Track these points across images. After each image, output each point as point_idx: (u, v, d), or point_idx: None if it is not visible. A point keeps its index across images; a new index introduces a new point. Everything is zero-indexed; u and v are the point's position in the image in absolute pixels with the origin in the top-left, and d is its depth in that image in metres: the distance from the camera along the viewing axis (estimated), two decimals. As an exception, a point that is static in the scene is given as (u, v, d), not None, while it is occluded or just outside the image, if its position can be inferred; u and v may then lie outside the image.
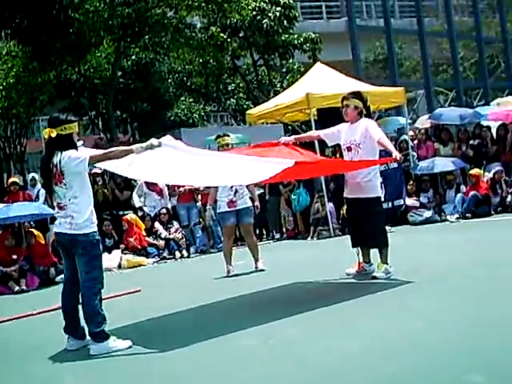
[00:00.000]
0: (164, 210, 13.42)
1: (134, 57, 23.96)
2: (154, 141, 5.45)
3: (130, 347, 5.25)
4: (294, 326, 5.38)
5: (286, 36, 24.01)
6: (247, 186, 9.18)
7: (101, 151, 5.54)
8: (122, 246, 12.62)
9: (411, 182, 13.81)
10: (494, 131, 14.73)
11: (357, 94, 7.34)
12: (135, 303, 7.84)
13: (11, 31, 16.05)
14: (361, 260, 7.41)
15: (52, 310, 7.21)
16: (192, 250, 13.37)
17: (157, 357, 4.97)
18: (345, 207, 7.92)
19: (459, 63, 34.17)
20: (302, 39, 24.24)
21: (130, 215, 13.03)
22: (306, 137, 8.89)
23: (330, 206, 12.99)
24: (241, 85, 28.45)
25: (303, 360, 4.41)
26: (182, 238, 13.24)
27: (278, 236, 14.02)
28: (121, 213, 13.31)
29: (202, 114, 29.20)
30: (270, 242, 13.80)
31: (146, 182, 13.11)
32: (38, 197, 13.18)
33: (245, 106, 26.99)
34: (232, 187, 8.94)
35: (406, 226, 12.81)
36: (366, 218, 7.09)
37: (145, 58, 24.10)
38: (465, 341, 4.34)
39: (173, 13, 20.31)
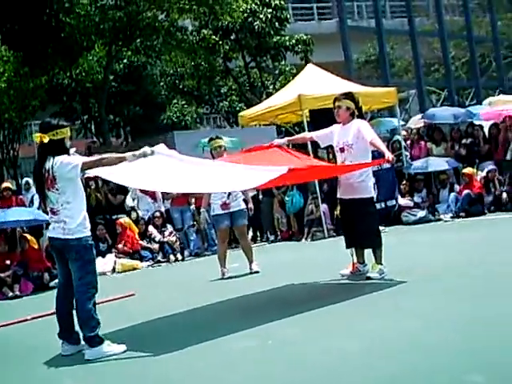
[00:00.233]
0: (158, 214, 13.40)
1: (125, 60, 23.95)
2: (147, 149, 5.43)
3: (125, 351, 5.24)
4: (290, 327, 5.38)
5: (278, 38, 24.03)
6: (240, 188, 9.17)
7: (93, 158, 5.53)
8: (115, 250, 12.58)
9: (405, 182, 13.84)
10: (486, 130, 14.77)
11: (348, 95, 7.35)
12: (129, 307, 7.83)
13: (2, 36, 16.06)
14: (355, 261, 7.42)
15: (46, 315, 7.19)
16: (186, 253, 13.35)
17: (152, 360, 4.96)
18: (338, 208, 7.93)
19: (451, 63, 34.27)
20: (293, 41, 24.27)
21: (124, 219, 13.01)
22: (298, 138, 8.90)
23: (323, 207, 12.99)
24: (233, 87, 28.45)
25: (301, 361, 4.41)
26: (176, 242, 13.21)
27: (272, 238, 14.01)
28: (114, 217, 13.28)
29: (195, 116, 29.17)
30: (265, 243, 13.80)
31: (140, 186, 13.09)
32: (32, 201, 13.14)
33: (237, 108, 26.97)
34: (225, 190, 8.93)
35: (400, 226, 12.83)
36: (359, 219, 7.10)
37: (137, 62, 24.10)
38: (463, 340, 4.35)
39: (164, 16, 20.32)
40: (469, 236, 10.24)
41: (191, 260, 12.97)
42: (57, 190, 5.30)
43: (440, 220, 12.85)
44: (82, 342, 5.38)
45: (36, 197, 12.91)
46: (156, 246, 13.00)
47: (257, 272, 8.96)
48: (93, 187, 13.02)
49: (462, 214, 12.85)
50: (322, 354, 4.49)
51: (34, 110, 23.17)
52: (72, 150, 5.55)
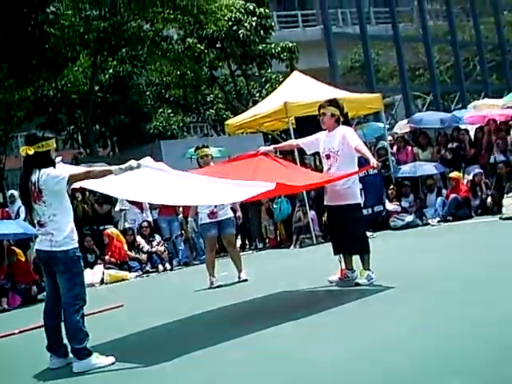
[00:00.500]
0: (145, 224, 13.38)
1: (111, 70, 23.91)
2: (133, 163, 5.42)
3: (113, 363, 5.21)
4: (279, 337, 5.37)
5: (263, 46, 24.06)
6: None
7: (80, 170, 5.51)
8: (103, 261, 12.53)
9: (392, 187, 13.88)
10: (472, 134, 14.84)
11: (333, 102, 7.36)
12: (118, 318, 7.79)
13: (-14, 49, 15.98)
14: (343, 267, 7.41)
15: (34, 329, 7.14)
16: (175, 262, 13.33)
17: (141, 372, 4.93)
18: (326, 214, 7.94)
19: (435, 67, 34.44)
20: (279, 48, 24.31)
21: (111, 229, 12.98)
22: (285, 146, 8.92)
23: (311, 213, 13.00)
24: (219, 95, 28.46)
25: (289, 371, 4.39)
26: (165, 251, 13.19)
27: (260, 245, 14.01)
28: (101, 227, 13.25)
29: (181, 125, 29.15)
30: (253, 251, 13.79)
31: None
32: (18, 214, 13.06)
33: (224, 116, 26.96)
34: (213, 198, 8.91)
35: (388, 231, 12.86)
36: (346, 225, 7.10)
37: (122, 72, 24.06)
38: (451, 345, 4.34)
39: (149, 25, 20.31)
40: (456, 240, 10.27)
41: (180, 269, 12.94)
42: (43, 202, 5.28)
43: (428, 224, 12.89)
44: (71, 355, 5.35)
45: (22, 209, 12.83)
46: (144, 256, 12.97)
47: (245, 280, 8.94)
48: (79, 199, 12.99)
49: (450, 217, 12.90)
50: (310, 363, 4.48)
51: (19, 122, 23.07)
52: (58, 159, 5.53)
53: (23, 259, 11.50)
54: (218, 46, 24.08)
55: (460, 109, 24.72)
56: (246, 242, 14.46)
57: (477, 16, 35.66)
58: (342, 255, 7.39)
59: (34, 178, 5.30)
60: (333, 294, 7.07)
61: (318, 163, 12.87)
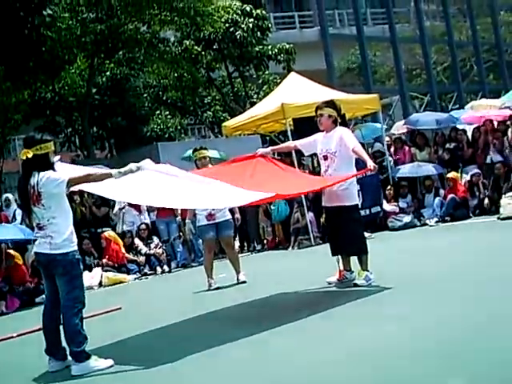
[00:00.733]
0: (143, 226, 13.38)
1: (108, 73, 23.88)
2: (132, 166, 5.42)
3: (112, 366, 5.20)
4: (277, 338, 5.37)
5: (260, 47, 24.06)
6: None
7: (80, 173, 5.48)
8: (101, 262, 12.52)
9: (389, 188, 13.89)
10: (469, 134, 14.85)
11: (330, 103, 7.38)
12: (117, 321, 7.79)
13: (-17, 52, 15.96)
14: (341, 268, 7.42)
15: (33, 332, 7.14)
16: (173, 264, 13.32)
17: (139, 374, 4.93)
18: (324, 216, 7.95)
19: (432, 68, 34.46)
20: (275, 50, 24.31)
21: (109, 232, 12.97)
22: (282, 147, 8.95)
23: (309, 215, 13.00)
24: (217, 97, 28.44)
25: (289, 372, 4.40)
26: (163, 253, 13.19)
27: (258, 247, 14.01)
28: (99, 230, 13.24)
29: (179, 127, 29.13)
30: (251, 253, 13.78)
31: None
32: (14, 217, 13.05)
33: (222, 118, 26.95)
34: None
35: (386, 232, 12.87)
36: (344, 226, 7.11)
37: (119, 74, 24.03)
38: (449, 346, 4.35)
39: (146, 28, 20.28)
40: (455, 240, 10.27)
41: (178, 271, 12.94)
42: (43, 205, 5.28)
43: (425, 225, 12.89)
44: (69, 358, 5.34)
45: (18, 212, 12.82)
46: (142, 258, 12.96)
47: (244, 282, 8.94)
48: (77, 201, 12.98)
49: (448, 218, 12.91)
50: (310, 364, 4.49)
51: (17, 125, 23.07)
52: (56, 158, 5.53)
53: (21, 262, 11.49)
54: (215, 47, 24.07)
55: (457, 109, 24.71)
56: (244, 243, 14.46)
57: (473, 16, 35.70)
58: (340, 256, 7.40)
59: (33, 181, 5.30)
60: (331, 295, 7.08)
61: (315, 164, 12.89)
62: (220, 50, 24.07)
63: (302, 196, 12.99)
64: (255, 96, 27.22)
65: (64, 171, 5.54)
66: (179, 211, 13.57)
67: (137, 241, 13.19)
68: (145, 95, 26.98)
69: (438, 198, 13.37)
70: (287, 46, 24.54)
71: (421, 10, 34.17)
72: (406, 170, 14.24)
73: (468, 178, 13.69)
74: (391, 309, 5.78)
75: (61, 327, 5.39)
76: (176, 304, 8.40)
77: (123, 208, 13.55)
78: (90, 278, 11.86)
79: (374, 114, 18.88)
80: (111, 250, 12.67)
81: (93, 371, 5.15)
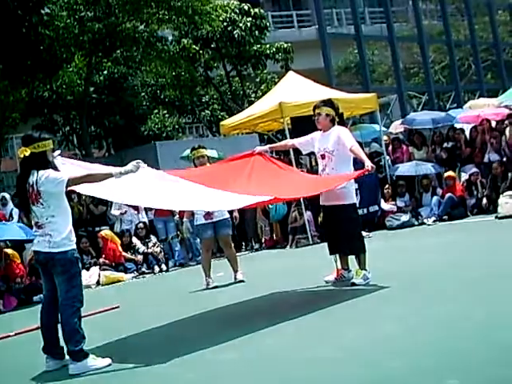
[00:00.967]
0: (141, 225, 13.37)
1: (106, 71, 23.84)
2: (132, 166, 5.41)
3: (110, 365, 5.20)
4: (274, 337, 5.37)
5: (258, 46, 24.04)
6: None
7: (80, 174, 5.43)
8: (98, 262, 12.51)
9: (387, 187, 13.90)
10: (467, 133, 14.87)
11: (328, 102, 7.38)
12: (114, 320, 7.79)
13: (-20, 50, 15.93)
14: (339, 267, 7.43)
15: (30, 331, 7.13)
16: (171, 263, 13.33)
17: (137, 373, 4.93)
18: (322, 214, 7.96)
19: (430, 67, 34.45)
20: (273, 49, 24.29)
21: (105, 231, 12.96)
22: (280, 146, 8.94)
23: (307, 214, 13.01)
24: (215, 96, 28.42)
25: (285, 371, 4.40)
26: (161, 252, 13.19)
27: (256, 246, 14.01)
28: (97, 229, 13.23)
29: (177, 126, 29.09)
30: (249, 252, 13.78)
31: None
32: (11, 216, 13.03)
33: (219, 117, 26.92)
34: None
35: (384, 231, 12.88)
36: (341, 225, 7.12)
37: (117, 73, 23.99)
38: (447, 345, 4.35)
39: (144, 26, 20.25)
40: (452, 239, 10.28)
41: (176, 270, 12.94)
42: (42, 204, 5.27)
43: (423, 224, 12.90)
44: (67, 357, 5.34)
45: (15, 211, 12.80)
46: (140, 257, 12.95)
47: (242, 281, 8.94)
48: (75, 200, 12.98)
49: (445, 217, 12.92)
50: (306, 363, 4.48)
51: (14, 123, 23.03)
52: (57, 153, 5.52)
53: (18, 261, 11.48)
54: (212, 46, 24.05)
55: (455, 108, 24.73)
56: (242, 242, 14.46)
57: (471, 15, 35.69)
58: (337, 255, 7.41)
59: (32, 179, 5.28)
60: (329, 293, 7.08)
61: (313, 163, 12.88)
62: (218, 49, 24.05)
63: (300, 195, 13.01)
64: (253, 95, 27.20)
65: (64, 167, 5.53)
66: (177, 210, 13.57)
67: (135, 240, 13.18)
68: (142, 94, 26.94)
69: (435, 197, 13.38)
70: (285, 45, 24.54)
71: (419, 9, 34.12)
72: (404, 169, 14.25)
73: (467, 176, 13.70)
74: (389, 308, 5.78)
75: (59, 326, 5.38)
76: (173, 303, 8.40)
77: (124, 213, 13.53)
78: (88, 276, 11.86)
79: (371, 113, 18.88)
80: (108, 249, 12.66)
81: (90, 370, 5.14)
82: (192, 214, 9.40)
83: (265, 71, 26.53)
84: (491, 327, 4.60)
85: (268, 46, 24.31)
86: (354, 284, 7.11)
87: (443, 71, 38.08)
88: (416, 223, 13.03)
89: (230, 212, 9.43)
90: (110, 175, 5.35)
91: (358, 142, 7.93)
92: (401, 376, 3.89)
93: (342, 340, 4.93)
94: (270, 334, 5.49)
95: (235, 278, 9.04)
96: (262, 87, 27.20)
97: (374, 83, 33.77)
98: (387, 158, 14.83)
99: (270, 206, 13.39)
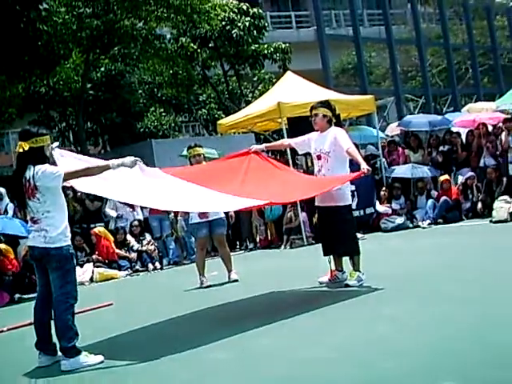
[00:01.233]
0: (136, 223, 13.34)
1: (103, 68, 23.82)
2: (129, 162, 5.42)
3: (102, 362, 5.19)
4: (268, 337, 5.37)
5: (256, 46, 24.04)
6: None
7: (77, 168, 5.40)
8: (91, 259, 12.49)
9: (384, 189, 13.92)
10: (464, 137, 14.89)
11: (325, 103, 7.39)
12: (107, 317, 7.77)
13: (-22, 45, 15.89)
14: (333, 268, 7.43)
15: (23, 326, 7.12)
16: (165, 261, 13.31)
17: (129, 371, 4.92)
18: (317, 215, 7.97)
19: (428, 70, 34.49)
20: (271, 49, 24.29)
21: (98, 228, 12.93)
22: (276, 145, 8.95)
23: (303, 215, 13.01)
24: (212, 95, 28.41)
25: (278, 371, 4.39)
26: (155, 250, 13.17)
27: (251, 246, 14.00)
28: (92, 225, 13.21)
29: (173, 124, 29.07)
30: (244, 251, 13.78)
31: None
32: (6, 211, 12.98)
33: (216, 116, 26.93)
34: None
35: (379, 233, 12.89)
36: (336, 227, 7.12)
37: (114, 70, 23.97)
38: (440, 346, 4.36)
39: (142, 24, 20.23)
40: (447, 242, 10.30)
41: (170, 269, 12.92)
42: (38, 199, 5.26)
43: (418, 227, 12.92)
44: (59, 353, 5.32)
45: (10, 206, 12.76)
46: (134, 254, 12.93)
47: (236, 281, 8.93)
48: (70, 196, 12.94)
49: (440, 220, 12.95)
50: (298, 363, 4.49)
51: (11, 119, 22.99)
52: (55, 144, 5.50)
53: (12, 256, 11.44)
54: (211, 45, 24.02)
55: (452, 112, 24.76)
56: (237, 242, 14.45)
57: (470, 20, 35.74)
58: (331, 256, 7.41)
59: (28, 174, 5.27)
60: (323, 294, 7.08)
61: (309, 164, 12.89)
62: (216, 48, 24.03)
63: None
64: (250, 95, 27.20)
65: (63, 159, 5.51)
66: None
67: (129, 237, 13.16)
68: (139, 92, 26.92)
69: (430, 200, 13.40)
70: (283, 46, 24.53)
71: (417, 12, 34.16)
72: (401, 171, 14.27)
73: (463, 180, 13.72)
74: (382, 309, 5.78)
75: (52, 322, 5.37)
76: (167, 301, 8.39)
77: (121, 217, 13.51)
78: (82, 273, 11.83)
79: (368, 115, 18.90)
80: (101, 246, 12.63)
81: (83, 367, 5.13)
82: (187, 212, 9.38)
83: (262, 71, 26.53)
84: (484, 328, 4.62)
85: (266, 46, 24.30)
86: (347, 285, 7.11)
87: (440, 75, 38.14)
88: (411, 226, 13.04)
89: (226, 211, 9.43)
90: (107, 167, 5.34)
91: (355, 144, 7.93)
92: (394, 377, 3.90)
93: (335, 340, 4.93)
94: (263, 333, 5.49)
95: (229, 278, 9.03)
96: (260, 87, 27.20)
97: (372, 85, 33.80)
98: (383, 160, 14.84)
99: (266, 206, 13.38)
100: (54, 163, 5.38)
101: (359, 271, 7.13)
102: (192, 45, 23.45)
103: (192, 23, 20.64)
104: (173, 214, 13.49)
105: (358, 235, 8.27)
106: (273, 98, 14.38)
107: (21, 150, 5.30)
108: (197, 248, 9.53)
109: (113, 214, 13.60)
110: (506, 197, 12.14)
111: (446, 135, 15.20)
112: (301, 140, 7.63)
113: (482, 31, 37.44)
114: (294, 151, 9.92)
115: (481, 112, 16.88)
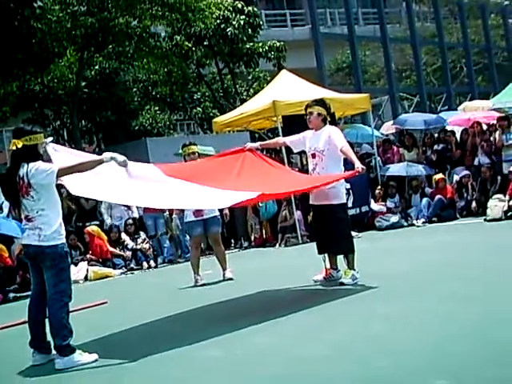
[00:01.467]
0: (130, 221, 13.32)
1: (97, 66, 23.77)
2: (121, 159, 5.45)
3: (96, 360, 5.18)
4: (263, 335, 5.37)
5: (251, 44, 24.02)
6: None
7: (70, 164, 5.37)
8: (85, 257, 12.46)
9: (380, 188, 13.93)
10: (458, 135, 14.91)
11: (320, 102, 7.39)
12: (102, 315, 7.76)
13: (-28, 43, 15.85)
14: (328, 266, 7.43)
15: (17, 325, 7.10)
16: (159, 260, 13.30)
17: (123, 369, 4.91)
18: (311, 214, 7.97)
19: (422, 69, 34.55)
20: (266, 47, 24.28)
21: (92, 227, 12.90)
22: (271, 143, 8.95)
23: (297, 213, 13.01)
24: (207, 93, 28.39)
25: (272, 369, 4.39)
26: (150, 249, 13.15)
27: (246, 244, 14.00)
28: (87, 224, 13.18)
29: (168, 123, 29.04)
30: (238, 250, 13.77)
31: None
32: (1, 209, 12.94)
33: (211, 115, 26.91)
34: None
35: (373, 232, 12.91)
36: (331, 225, 7.11)
37: (109, 68, 23.92)
38: (434, 344, 4.36)
39: (137, 22, 20.20)
40: (441, 240, 10.32)
41: (164, 267, 12.91)
42: (32, 197, 5.24)
43: (413, 225, 12.94)
44: (54, 351, 5.31)
45: (5, 204, 12.70)
46: (129, 253, 12.91)
47: (230, 279, 8.93)
48: (64, 195, 12.90)
49: (435, 218, 12.97)
50: (293, 361, 4.49)
51: (5, 117, 22.93)
52: (49, 139, 5.49)
53: (6, 255, 11.41)
54: (205, 43, 23.99)
55: (447, 110, 24.80)
56: (232, 240, 14.44)
57: (464, 18, 35.82)
58: (326, 255, 7.41)
59: (22, 172, 5.25)
60: (317, 293, 7.08)
61: (304, 162, 12.90)
62: (211, 47, 24.01)
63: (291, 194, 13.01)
64: (245, 93, 27.18)
65: (57, 154, 5.50)
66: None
67: (124, 235, 13.14)
68: (134, 90, 26.88)
69: (425, 199, 13.42)
70: (278, 44, 24.52)
71: (412, 11, 34.22)
72: (395, 169, 14.28)
73: (458, 178, 13.75)
74: (377, 308, 5.79)
75: (46, 320, 5.35)
76: (162, 300, 8.38)
77: (117, 226, 13.49)
78: (76, 272, 11.80)
79: (363, 113, 18.91)
80: (95, 245, 12.61)
81: (77, 365, 5.12)
82: (182, 210, 9.38)
83: (257, 69, 26.52)
84: (479, 327, 4.62)
85: (261, 44, 24.28)
86: (342, 284, 7.11)
87: (435, 73, 38.20)
88: (405, 224, 13.07)
89: (221, 210, 9.42)
90: (101, 161, 5.34)
91: (349, 143, 7.92)
92: (389, 375, 3.90)
93: (331, 338, 4.93)
94: (258, 331, 5.49)
95: (224, 276, 9.03)
96: (254, 85, 27.18)
97: (366, 84, 33.84)
98: (378, 158, 14.85)
99: (261, 205, 13.38)
100: (48, 161, 5.36)
101: (354, 269, 7.13)
102: (187, 43, 23.42)
103: (187, 21, 20.62)
104: (167, 213, 13.46)
105: (353, 234, 8.27)
106: (268, 96, 14.38)
107: (14, 148, 5.30)
108: (191, 246, 9.52)
109: (105, 217, 13.57)
110: (500, 195, 12.17)
111: (440, 134, 15.22)
112: (296, 138, 7.62)
113: (476, 30, 37.52)
114: (288, 149, 9.92)
115: (476, 110, 16.90)
